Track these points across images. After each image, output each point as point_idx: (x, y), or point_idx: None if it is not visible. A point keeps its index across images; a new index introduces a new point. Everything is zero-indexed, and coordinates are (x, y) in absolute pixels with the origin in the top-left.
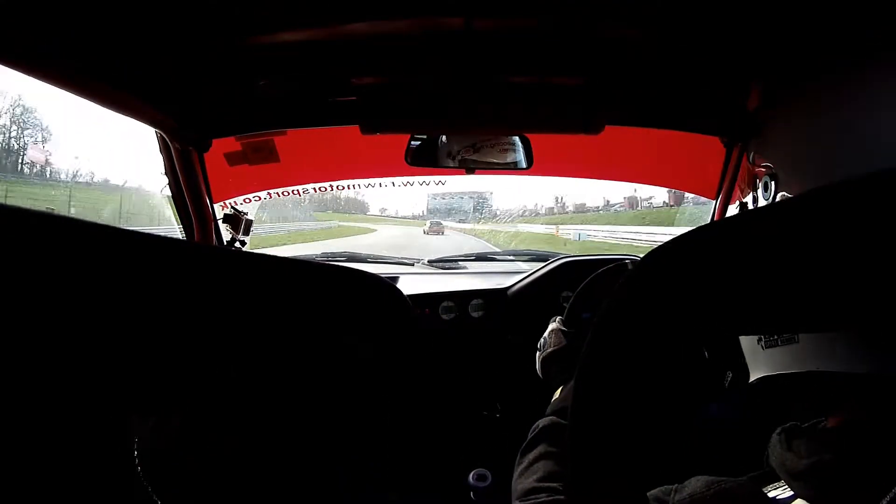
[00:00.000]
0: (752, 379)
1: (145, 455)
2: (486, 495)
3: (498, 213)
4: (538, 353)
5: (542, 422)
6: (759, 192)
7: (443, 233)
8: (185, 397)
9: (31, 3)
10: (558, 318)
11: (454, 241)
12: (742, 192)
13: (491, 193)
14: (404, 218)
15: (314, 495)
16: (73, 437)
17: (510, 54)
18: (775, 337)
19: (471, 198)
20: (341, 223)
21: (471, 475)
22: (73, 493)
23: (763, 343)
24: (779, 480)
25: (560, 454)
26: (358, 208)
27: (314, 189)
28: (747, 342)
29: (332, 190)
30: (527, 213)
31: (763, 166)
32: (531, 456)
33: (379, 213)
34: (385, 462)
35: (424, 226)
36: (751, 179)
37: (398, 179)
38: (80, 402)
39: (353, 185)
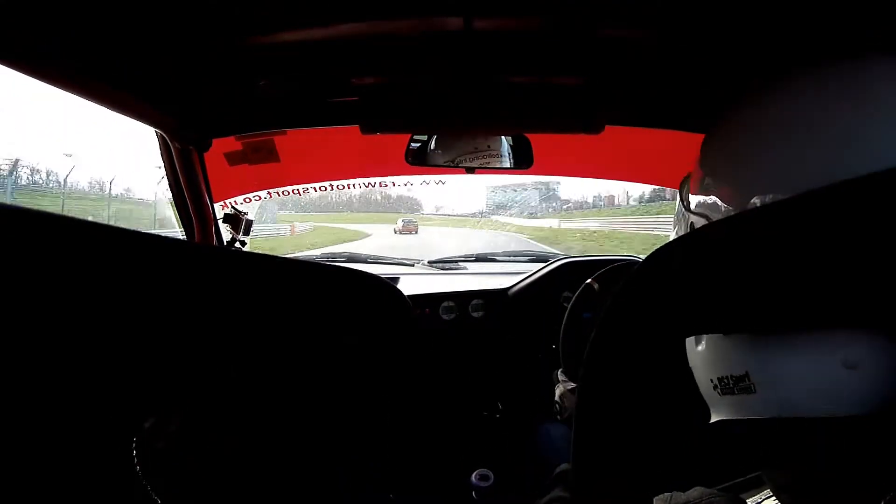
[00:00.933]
0: (712, 420)
1: (145, 454)
2: (489, 495)
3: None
4: (558, 416)
5: (562, 467)
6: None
7: (416, 231)
8: (185, 397)
9: (31, 3)
10: (560, 373)
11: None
12: None
13: (558, 184)
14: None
15: (314, 496)
16: (73, 436)
17: (510, 54)
18: (731, 385)
19: (535, 188)
20: (320, 224)
21: (473, 475)
22: (72, 493)
23: (719, 390)
24: (767, 487)
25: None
26: (352, 205)
27: (314, 189)
28: (704, 385)
29: (332, 189)
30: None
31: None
32: (544, 500)
33: (385, 210)
34: (385, 462)
35: (396, 224)
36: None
37: (398, 179)
38: (79, 402)
39: (353, 185)
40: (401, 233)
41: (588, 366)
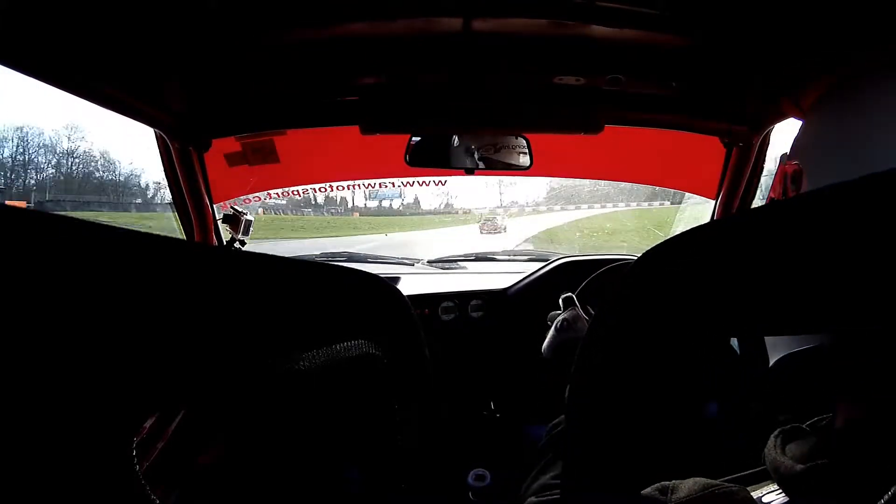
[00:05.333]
0: (771, 363)
1: (144, 454)
2: (485, 495)
3: None
4: (557, 333)
5: (559, 421)
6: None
7: (500, 230)
8: (183, 398)
9: (32, 3)
10: (572, 308)
11: None
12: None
13: None
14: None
15: (315, 498)
16: (71, 436)
17: (509, 55)
18: None
19: None
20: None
21: (469, 475)
22: (71, 494)
23: None
24: (773, 481)
25: None
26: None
27: (314, 189)
28: None
29: (333, 190)
30: None
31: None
32: (549, 455)
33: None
34: (384, 464)
35: (480, 223)
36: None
37: (398, 179)
38: (78, 402)
39: (354, 186)
40: (484, 232)
41: (581, 361)
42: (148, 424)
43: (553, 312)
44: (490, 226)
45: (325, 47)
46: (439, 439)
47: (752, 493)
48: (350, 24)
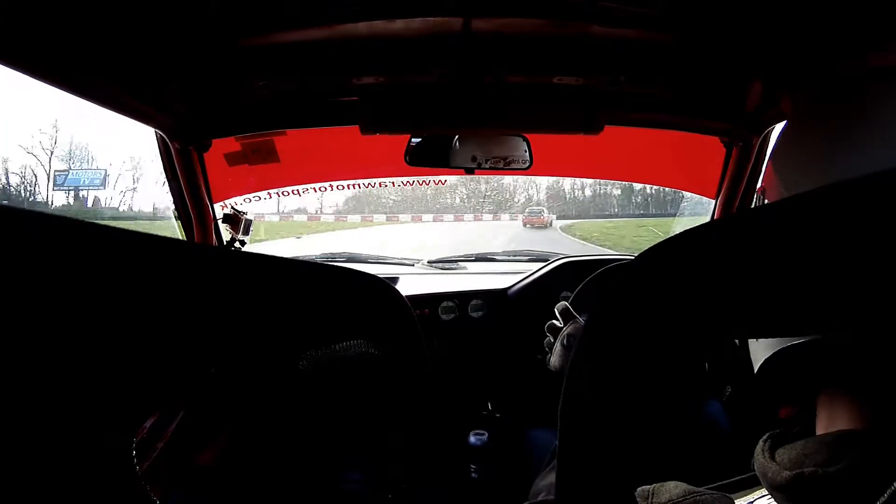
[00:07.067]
0: (756, 368)
1: (144, 455)
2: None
3: None
4: (564, 349)
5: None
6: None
7: (545, 224)
8: (183, 399)
9: (31, 3)
10: (573, 322)
11: None
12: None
13: None
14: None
15: (315, 497)
16: (70, 437)
17: (509, 54)
18: None
19: None
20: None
21: (470, 435)
22: (69, 494)
23: None
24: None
25: None
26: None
27: (314, 189)
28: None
29: (333, 190)
30: None
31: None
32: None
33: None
34: (385, 464)
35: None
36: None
37: (398, 179)
38: (77, 401)
39: (353, 185)
40: (527, 224)
41: (575, 364)
42: (148, 424)
43: (551, 322)
44: (532, 219)
45: (325, 47)
46: (439, 439)
47: (742, 500)
48: (350, 24)
